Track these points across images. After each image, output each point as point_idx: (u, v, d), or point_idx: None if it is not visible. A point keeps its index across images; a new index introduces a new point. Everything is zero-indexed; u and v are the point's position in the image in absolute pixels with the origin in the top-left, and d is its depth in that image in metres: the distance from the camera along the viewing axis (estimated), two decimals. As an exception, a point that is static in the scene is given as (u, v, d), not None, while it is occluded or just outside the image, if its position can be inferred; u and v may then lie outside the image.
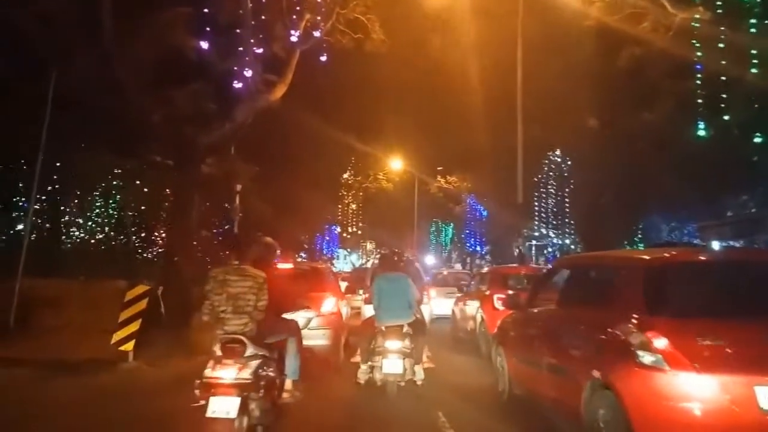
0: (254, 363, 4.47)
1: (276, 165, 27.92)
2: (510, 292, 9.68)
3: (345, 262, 67.54)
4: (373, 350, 6.71)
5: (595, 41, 19.01)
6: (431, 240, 62.18)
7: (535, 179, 44.80)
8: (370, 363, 6.73)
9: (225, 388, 4.26)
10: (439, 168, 45.31)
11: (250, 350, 4.50)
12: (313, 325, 7.37)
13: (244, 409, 4.29)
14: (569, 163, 39.23)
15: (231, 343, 4.49)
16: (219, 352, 4.46)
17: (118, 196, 23.13)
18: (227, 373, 4.33)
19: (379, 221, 53.59)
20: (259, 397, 4.45)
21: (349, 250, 73.39)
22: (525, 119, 16.13)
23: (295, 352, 5.31)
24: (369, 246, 58.92)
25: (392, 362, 6.49)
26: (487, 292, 10.61)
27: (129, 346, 8.55)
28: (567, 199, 45.30)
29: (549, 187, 47.73)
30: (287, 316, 5.50)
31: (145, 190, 22.45)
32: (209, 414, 4.14)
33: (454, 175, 45.10)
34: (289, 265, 8.66)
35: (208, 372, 4.34)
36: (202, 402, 4.24)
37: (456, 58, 21.31)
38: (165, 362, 8.69)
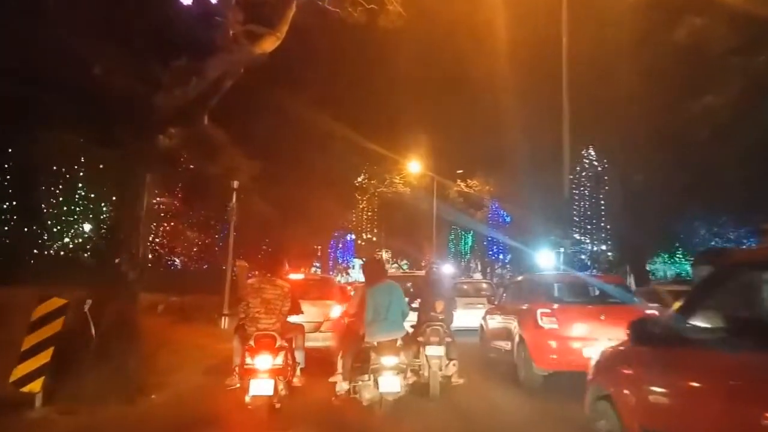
0: (282, 353, 5.74)
1: (284, 165, 25.45)
2: (555, 306, 7.99)
3: (360, 271, 64.92)
4: (360, 367, 6.35)
5: (648, 12, 16.26)
6: (450, 248, 59.11)
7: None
8: (360, 381, 6.26)
9: (262, 372, 5.57)
10: (459, 171, 42.51)
11: (278, 343, 5.75)
12: (322, 328, 9.25)
13: (275, 389, 5.66)
14: (605, 162, 35.84)
15: (265, 338, 5.73)
16: (254, 345, 5.67)
17: (88, 190, 20.27)
18: (263, 360, 5.60)
19: (396, 228, 50.79)
20: (285, 380, 5.86)
21: (364, 258, 70.63)
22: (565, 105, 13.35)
23: (302, 346, 6.50)
24: (385, 255, 56.00)
25: (389, 380, 6.10)
26: (525, 306, 8.63)
27: (36, 385, 5.97)
28: (602, 202, 41.69)
29: (582, 188, 44.09)
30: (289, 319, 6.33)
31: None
32: (251, 393, 5.55)
33: (475, 179, 42.25)
34: (300, 276, 10.34)
35: (247, 360, 5.61)
36: (237, 385, 5.80)
37: (481, 43, 18.72)
38: (90, 408, 6.07)
